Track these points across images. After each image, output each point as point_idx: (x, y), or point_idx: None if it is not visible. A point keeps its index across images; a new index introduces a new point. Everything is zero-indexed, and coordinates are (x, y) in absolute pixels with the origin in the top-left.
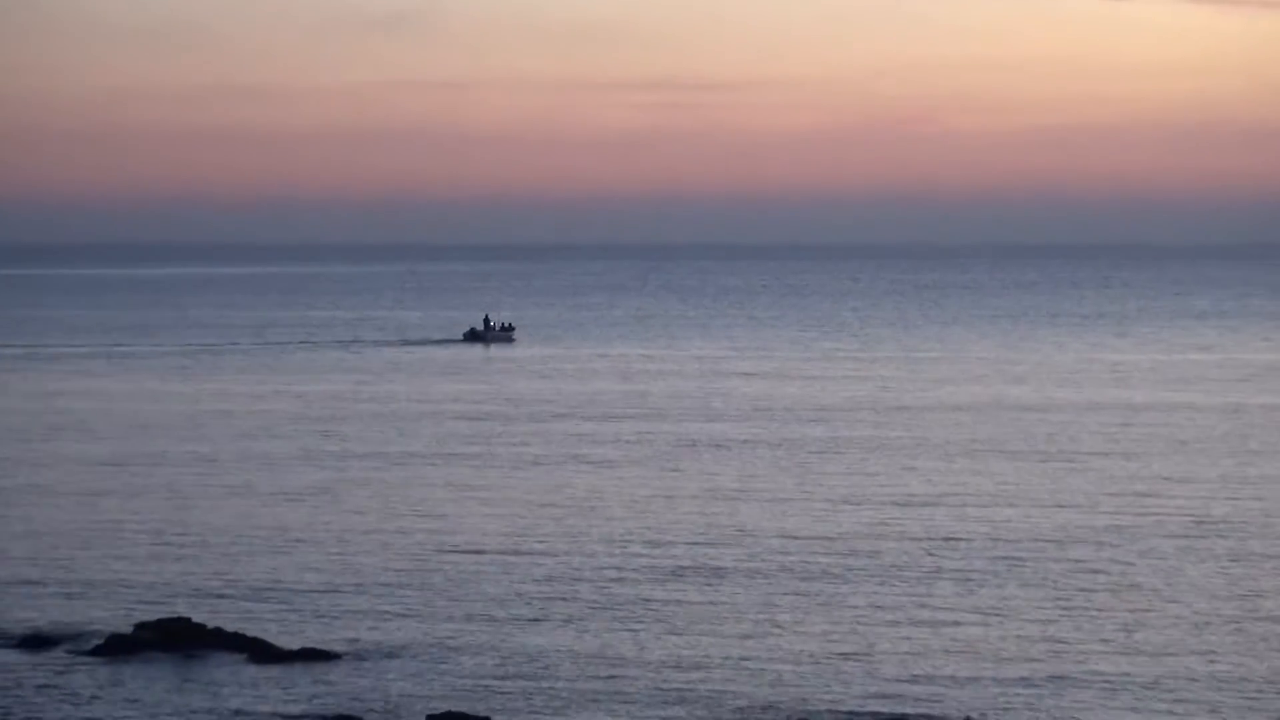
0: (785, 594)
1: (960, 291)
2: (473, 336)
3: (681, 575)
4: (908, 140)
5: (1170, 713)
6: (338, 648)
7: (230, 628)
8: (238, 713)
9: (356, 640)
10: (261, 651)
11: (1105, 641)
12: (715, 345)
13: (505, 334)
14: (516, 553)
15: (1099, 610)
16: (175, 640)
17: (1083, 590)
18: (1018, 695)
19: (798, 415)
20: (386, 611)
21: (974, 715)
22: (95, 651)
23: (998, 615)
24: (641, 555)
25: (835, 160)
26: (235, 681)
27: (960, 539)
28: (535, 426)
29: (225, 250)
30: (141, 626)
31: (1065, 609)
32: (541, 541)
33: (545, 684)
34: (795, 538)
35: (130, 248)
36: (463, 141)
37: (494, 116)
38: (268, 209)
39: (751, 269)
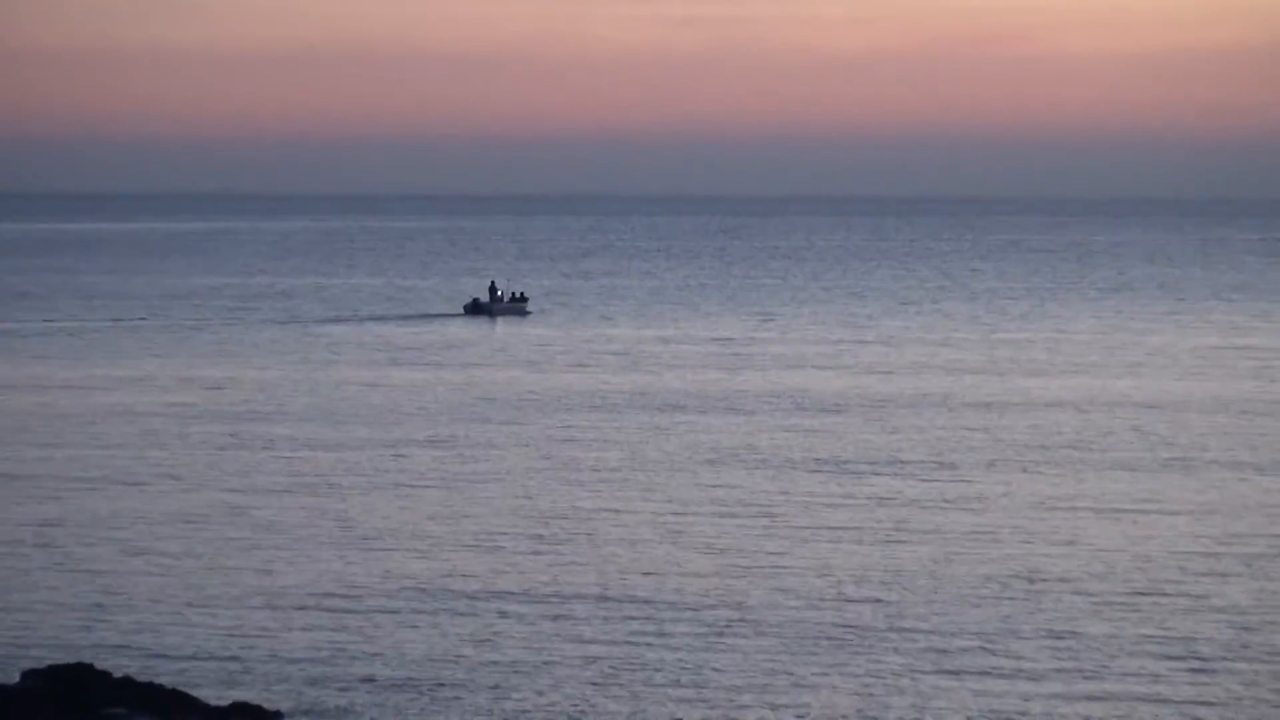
0: (815, 658)
1: (1072, 256)
2: (475, 309)
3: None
4: (995, 64)
5: None
6: (282, 705)
7: (142, 678)
8: None
9: (302, 696)
10: (182, 708)
11: None
12: (756, 323)
13: (516, 305)
14: (493, 599)
15: None
16: (71, 693)
17: None
18: None
19: (850, 415)
20: (339, 660)
21: None
22: None
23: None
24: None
25: (899, 89)
26: None
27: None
28: (546, 441)
29: (160, 200)
30: (30, 675)
31: None
32: (534, 587)
33: None
34: (842, 579)
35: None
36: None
37: (468, 34)
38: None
39: (795, 227)
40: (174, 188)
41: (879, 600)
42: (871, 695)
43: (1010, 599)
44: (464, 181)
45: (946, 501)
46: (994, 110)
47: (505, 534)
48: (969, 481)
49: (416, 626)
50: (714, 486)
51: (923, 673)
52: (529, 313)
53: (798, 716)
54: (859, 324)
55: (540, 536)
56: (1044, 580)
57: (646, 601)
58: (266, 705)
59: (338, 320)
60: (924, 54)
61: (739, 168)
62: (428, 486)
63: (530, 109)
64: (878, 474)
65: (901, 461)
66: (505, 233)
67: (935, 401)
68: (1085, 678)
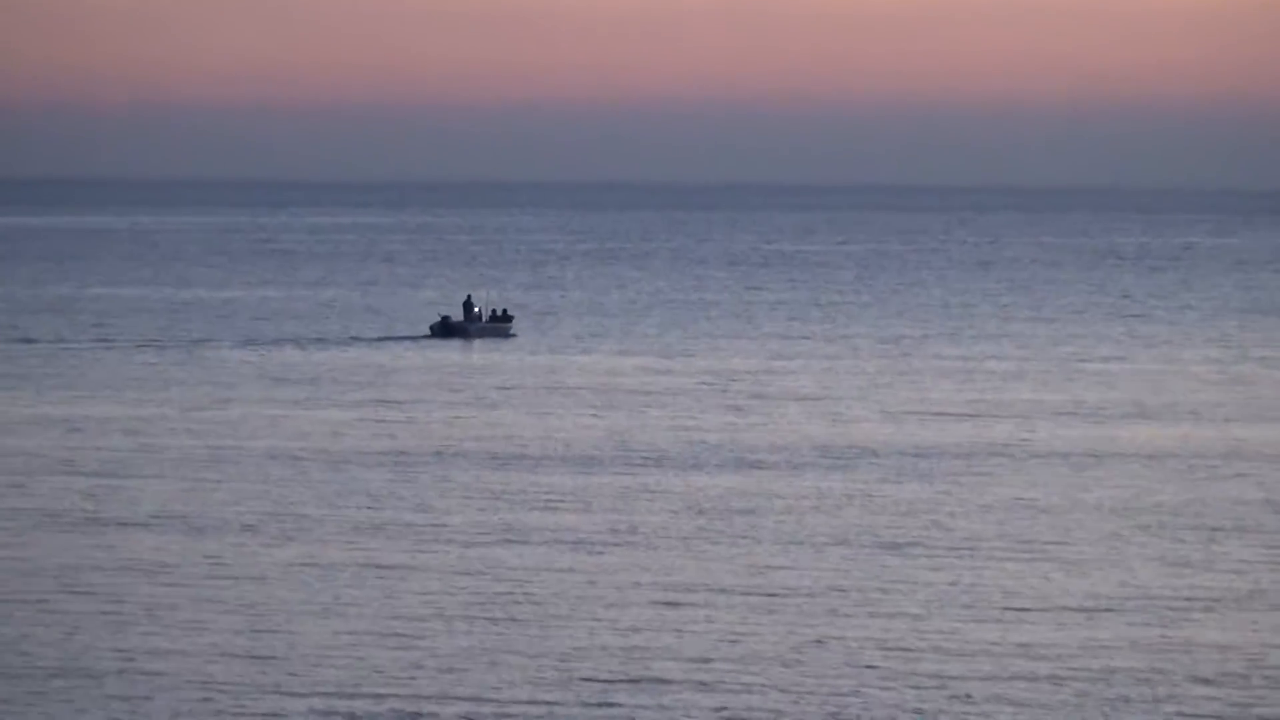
0: None
1: (1165, 261)
2: (446, 330)
3: None
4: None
5: None
6: None
7: None
8: None
9: None
10: None
11: None
12: (775, 350)
13: (497, 325)
14: None
15: None
16: None
17: None
18: None
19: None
20: None
21: None
22: None
23: None
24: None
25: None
26: None
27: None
28: (505, 506)
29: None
30: None
31: None
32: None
33: None
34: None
35: None
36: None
37: None
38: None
39: (823, 223)
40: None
41: None
42: None
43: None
44: (404, 164)
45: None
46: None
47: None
48: (1069, 569)
49: None
50: (721, 561)
51: None
52: (513, 334)
53: None
54: (907, 350)
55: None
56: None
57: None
58: None
59: (253, 344)
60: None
61: (669, 148)
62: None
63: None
64: (930, 551)
65: (972, 542)
66: (458, 229)
67: (1005, 453)
68: None
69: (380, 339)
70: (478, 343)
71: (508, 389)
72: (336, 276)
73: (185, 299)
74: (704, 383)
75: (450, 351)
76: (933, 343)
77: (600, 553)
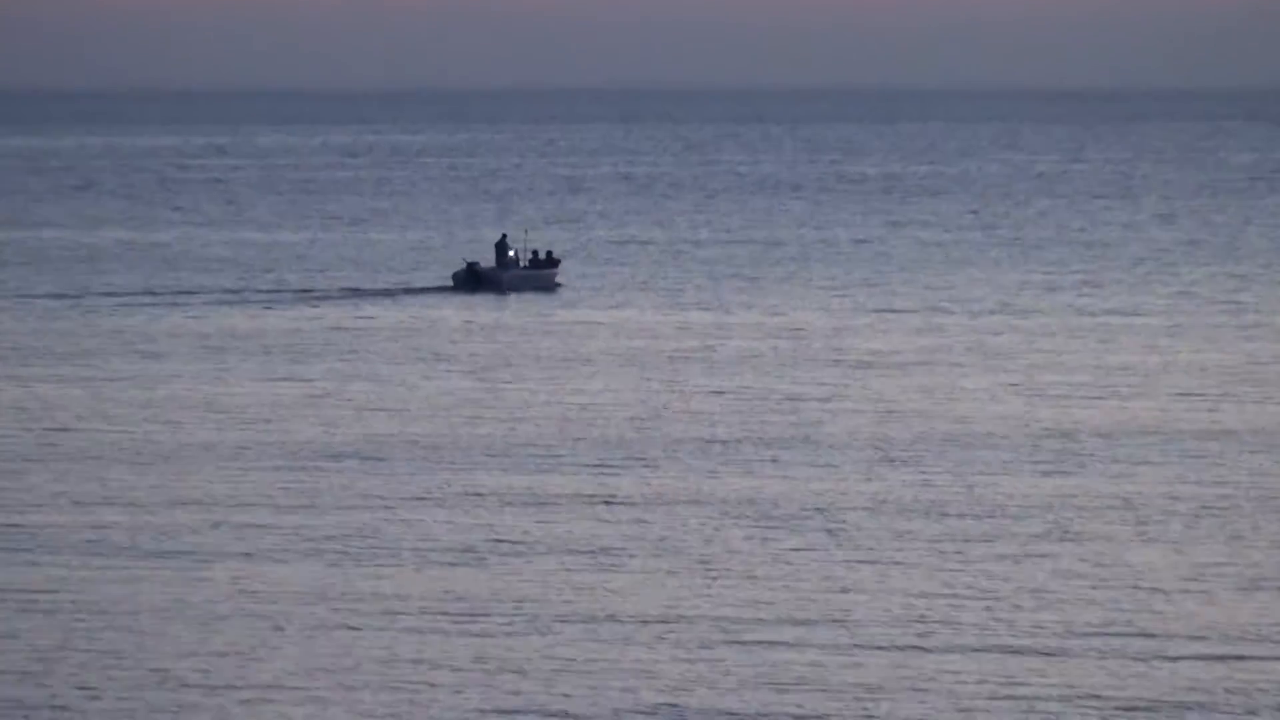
0: None
1: None
2: (472, 280)
3: None
4: None
5: None
6: None
7: None
8: None
9: None
10: None
11: None
12: (876, 299)
13: (539, 272)
14: None
15: None
16: None
17: None
18: None
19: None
20: None
21: None
22: None
23: None
24: None
25: None
26: None
27: None
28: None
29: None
30: None
31: None
32: None
33: None
34: None
35: None
36: None
37: None
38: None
39: (873, 137)
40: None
41: None
42: None
43: None
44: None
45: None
46: None
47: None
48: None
49: None
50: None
51: None
52: (558, 285)
53: None
54: (1035, 303)
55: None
56: None
57: None
58: None
59: (313, 297)
60: None
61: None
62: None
63: None
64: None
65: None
66: (465, 149)
67: (1157, 435)
68: None
69: (387, 291)
70: (514, 297)
71: (552, 360)
72: (321, 211)
73: (158, 240)
74: (794, 348)
75: (477, 308)
76: (1068, 294)
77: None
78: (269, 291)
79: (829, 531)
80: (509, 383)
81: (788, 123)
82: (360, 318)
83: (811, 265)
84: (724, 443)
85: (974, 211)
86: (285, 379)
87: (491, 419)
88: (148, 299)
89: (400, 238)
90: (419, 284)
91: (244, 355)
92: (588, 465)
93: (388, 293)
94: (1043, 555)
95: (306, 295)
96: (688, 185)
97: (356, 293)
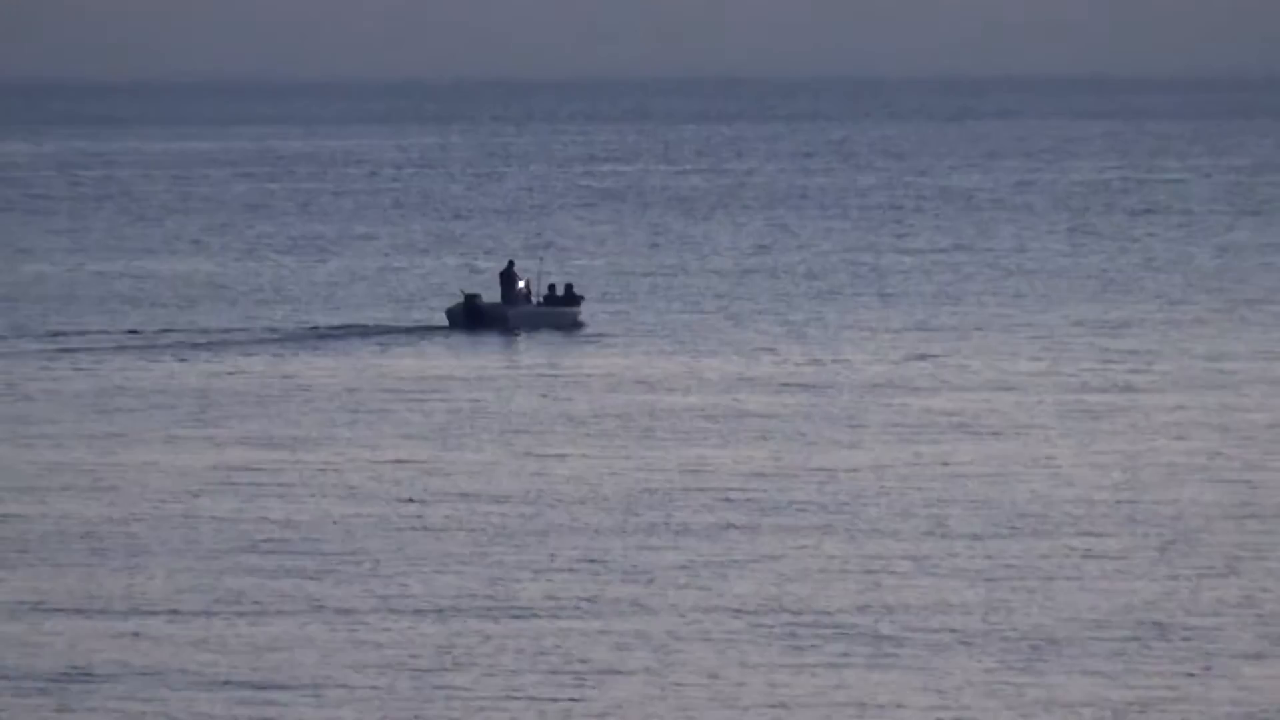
0: None
1: None
2: (471, 317)
3: None
4: None
5: None
6: None
7: None
8: None
9: None
10: None
11: None
12: (941, 343)
13: (555, 309)
14: None
15: None
16: None
17: None
18: None
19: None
20: None
21: None
22: None
23: None
24: None
25: None
26: None
27: None
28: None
29: None
30: None
31: None
32: None
33: None
34: None
35: None
36: None
37: None
38: None
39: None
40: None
41: None
42: None
43: None
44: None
45: None
46: None
47: None
48: None
49: None
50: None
51: None
52: (581, 324)
53: None
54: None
55: None
56: None
57: None
58: None
59: (270, 340)
60: None
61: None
62: None
63: None
64: None
65: None
66: (441, 159)
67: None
68: None
69: (366, 332)
70: (524, 339)
71: (577, 421)
72: (289, 232)
73: (35, 270)
74: (843, 408)
75: (478, 352)
76: (1185, 335)
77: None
78: (188, 333)
79: (876, 645)
80: (524, 450)
81: (789, 119)
82: (320, 366)
83: (866, 300)
84: (747, 528)
85: (1062, 229)
86: (207, 443)
87: (494, 496)
88: (25, 344)
89: (357, 265)
90: (401, 322)
91: (150, 414)
92: (617, 566)
93: (362, 331)
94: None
95: (270, 338)
96: (697, 198)
97: (319, 333)
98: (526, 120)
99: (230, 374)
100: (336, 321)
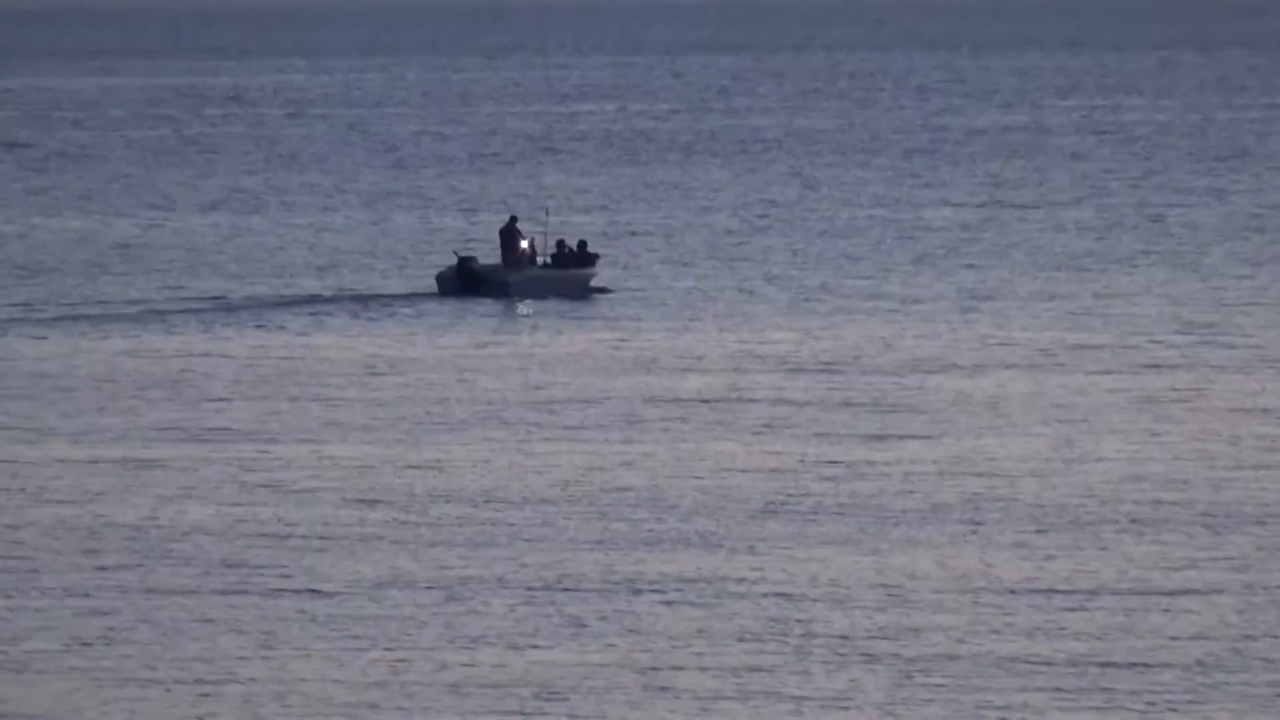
0: None
1: None
2: (465, 281)
3: None
4: None
5: None
6: None
7: None
8: None
9: None
10: None
11: None
12: (988, 321)
13: (565, 273)
14: None
15: None
16: None
17: None
18: None
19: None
20: None
21: None
22: None
23: None
24: None
25: None
26: None
27: None
28: None
29: None
30: None
31: None
32: None
33: None
34: None
35: None
36: None
37: None
38: None
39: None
40: None
41: None
42: None
43: None
44: None
45: None
46: None
47: None
48: None
49: None
50: None
51: None
52: (596, 290)
53: None
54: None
55: None
56: None
57: None
58: None
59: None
60: None
61: None
62: None
63: None
64: None
65: None
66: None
67: None
68: None
69: (343, 299)
70: (527, 306)
71: (592, 406)
72: (189, 186)
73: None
74: (888, 392)
75: (471, 324)
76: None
77: None
78: (93, 306)
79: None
80: (529, 440)
81: (821, 49)
82: (284, 341)
83: (899, 264)
84: (763, 536)
85: (1127, 178)
86: (114, 435)
87: (492, 499)
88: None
89: (321, 220)
90: (383, 288)
91: (47, 402)
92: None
93: (333, 300)
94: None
95: (242, 305)
96: (697, 144)
97: (279, 303)
98: (498, 52)
99: (144, 355)
100: (285, 290)
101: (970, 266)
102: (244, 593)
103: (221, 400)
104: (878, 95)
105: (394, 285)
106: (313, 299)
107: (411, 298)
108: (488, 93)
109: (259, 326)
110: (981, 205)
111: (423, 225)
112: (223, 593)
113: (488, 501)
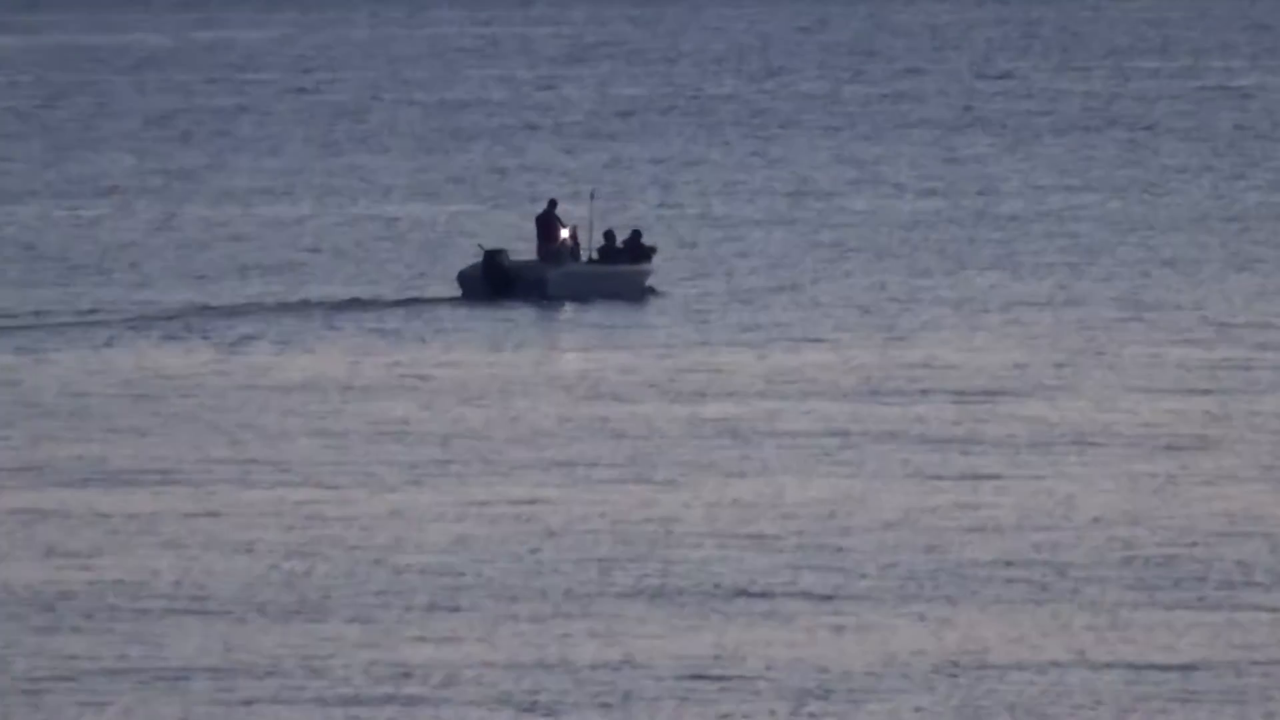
0: None
1: None
2: (495, 280)
3: None
4: None
5: None
6: None
7: None
8: None
9: None
10: None
11: None
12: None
13: (616, 269)
14: None
15: None
16: None
17: None
18: None
19: None
20: None
21: None
22: None
23: None
24: None
25: None
26: None
27: None
28: None
29: None
30: None
31: None
32: None
33: None
34: None
35: None
36: None
37: None
38: None
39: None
40: None
41: None
42: None
43: None
44: None
45: None
46: None
47: None
48: None
49: None
50: None
51: None
52: (651, 291)
53: None
54: None
55: None
56: None
57: None
58: None
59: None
60: None
61: None
62: None
63: None
64: None
65: None
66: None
67: None
68: None
69: (355, 304)
70: (569, 310)
71: (656, 435)
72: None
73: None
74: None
75: (501, 333)
76: None
77: None
78: (21, 317)
79: None
80: (567, 484)
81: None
82: (251, 363)
83: (959, 269)
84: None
85: (1224, 161)
86: (63, 462)
87: (481, 549)
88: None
89: (286, 212)
90: (407, 293)
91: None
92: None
93: (336, 308)
94: None
95: (244, 311)
96: (720, 113)
97: (264, 310)
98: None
99: (93, 374)
100: (257, 297)
101: (1066, 265)
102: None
103: (167, 430)
104: (882, 55)
105: (404, 288)
106: (293, 308)
107: (428, 303)
108: (464, 49)
109: (219, 342)
110: (1041, 189)
111: (437, 214)
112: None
113: (505, 553)
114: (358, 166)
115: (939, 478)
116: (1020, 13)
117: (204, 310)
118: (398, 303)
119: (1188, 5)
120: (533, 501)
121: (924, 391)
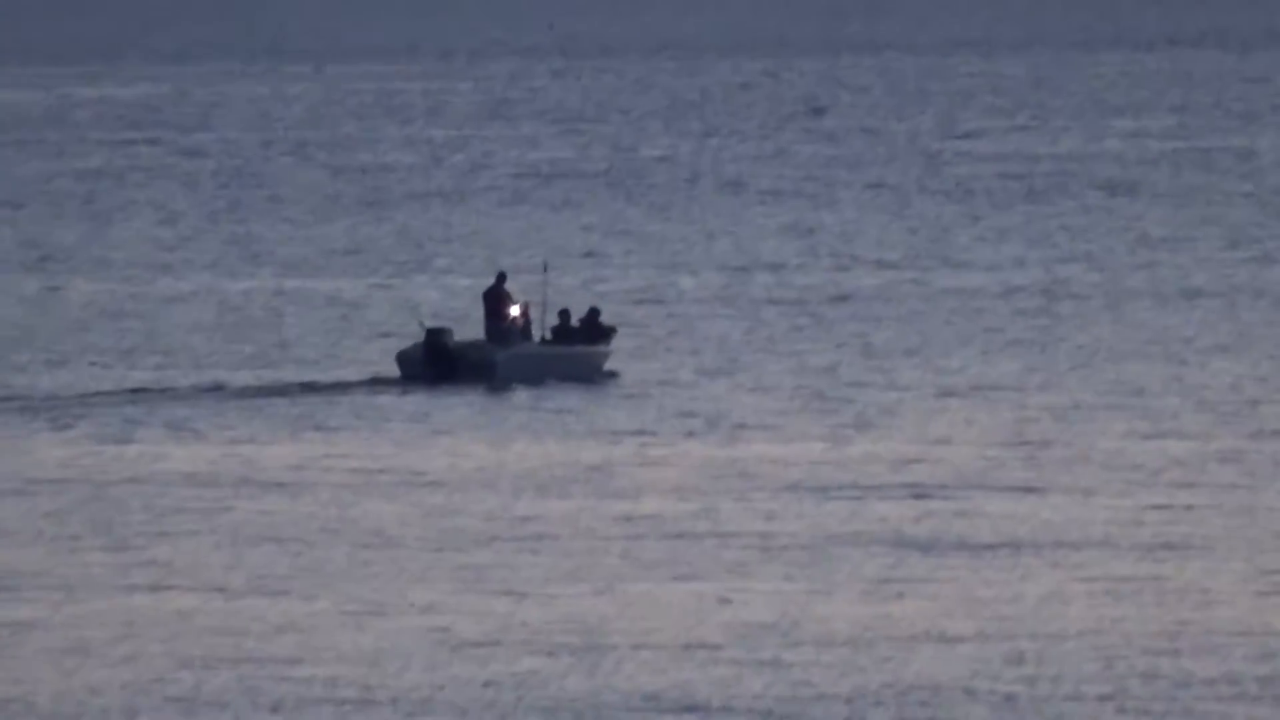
0: None
1: None
2: (437, 361)
3: None
4: None
5: None
6: None
7: None
8: None
9: None
10: None
11: None
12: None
13: (571, 350)
14: None
15: None
16: None
17: None
18: None
19: None
20: None
21: None
22: None
23: None
24: None
25: None
26: None
27: None
28: None
29: None
30: None
31: None
32: None
33: None
34: None
35: None
36: None
37: None
38: None
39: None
40: None
41: None
42: None
43: None
44: None
45: None
46: None
47: None
48: None
49: None
50: None
51: None
52: (609, 372)
53: None
54: None
55: None
56: None
57: None
58: None
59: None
60: None
61: None
62: None
63: None
64: None
65: None
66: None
67: None
68: None
69: (261, 392)
70: (516, 393)
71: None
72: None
73: None
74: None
75: (444, 420)
76: None
77: None
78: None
79: None
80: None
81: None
82: (164, 450)
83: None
84: None
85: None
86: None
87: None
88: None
89: (183, 285)
90: (342, 375)
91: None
92: None
93: (248, 394)
94: None
95: (155, 397)
96: (667, 176)
97: (152, 396)
98: (412, 51)
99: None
100: (172, 380)
101: (1038, 345)
102: None
103: (41, 529)
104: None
105: (336, 370)
106: (184, 394)
107: (362, 386)
108: (397, 107)
109: (100, 433)
110: (1043, 260)
111: (370, 289)
112: None
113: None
114: (256, 236)
115: (896, 581)
116: (986, 66)
117: (87, 398)
118: (330, 386)
119: (1167, 57)
120: (444, 610)
121: (880, 487)
